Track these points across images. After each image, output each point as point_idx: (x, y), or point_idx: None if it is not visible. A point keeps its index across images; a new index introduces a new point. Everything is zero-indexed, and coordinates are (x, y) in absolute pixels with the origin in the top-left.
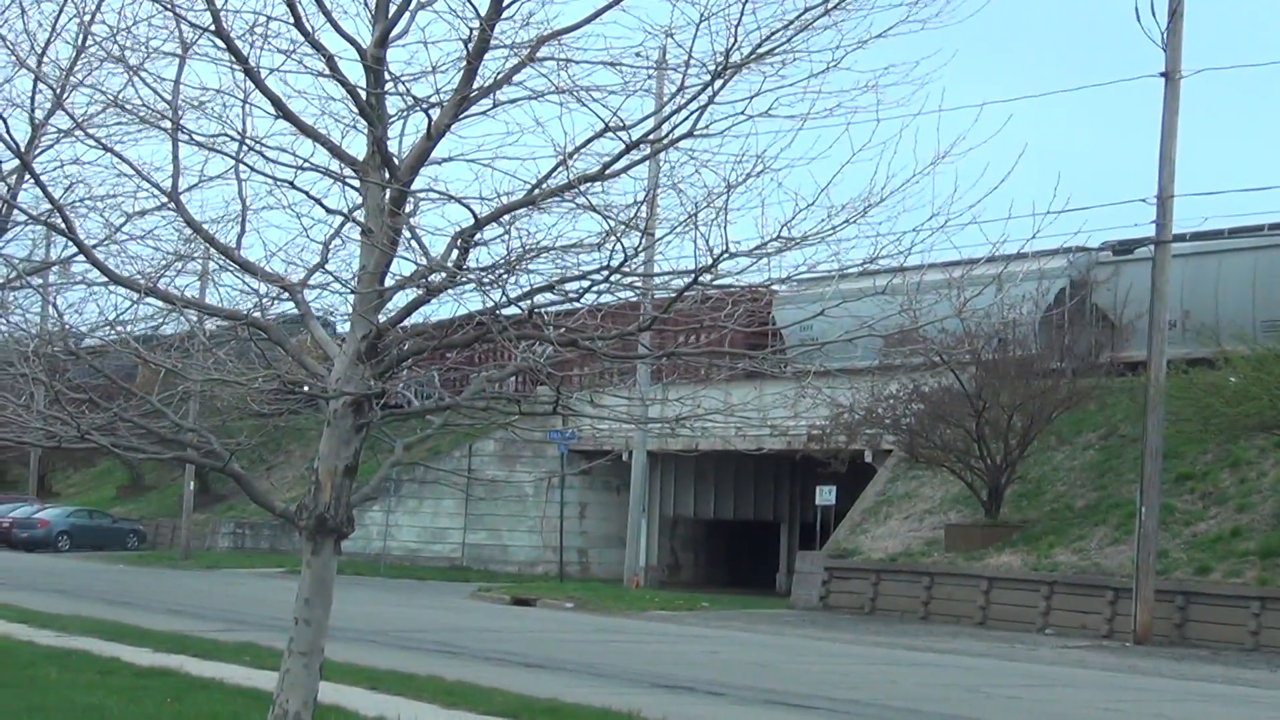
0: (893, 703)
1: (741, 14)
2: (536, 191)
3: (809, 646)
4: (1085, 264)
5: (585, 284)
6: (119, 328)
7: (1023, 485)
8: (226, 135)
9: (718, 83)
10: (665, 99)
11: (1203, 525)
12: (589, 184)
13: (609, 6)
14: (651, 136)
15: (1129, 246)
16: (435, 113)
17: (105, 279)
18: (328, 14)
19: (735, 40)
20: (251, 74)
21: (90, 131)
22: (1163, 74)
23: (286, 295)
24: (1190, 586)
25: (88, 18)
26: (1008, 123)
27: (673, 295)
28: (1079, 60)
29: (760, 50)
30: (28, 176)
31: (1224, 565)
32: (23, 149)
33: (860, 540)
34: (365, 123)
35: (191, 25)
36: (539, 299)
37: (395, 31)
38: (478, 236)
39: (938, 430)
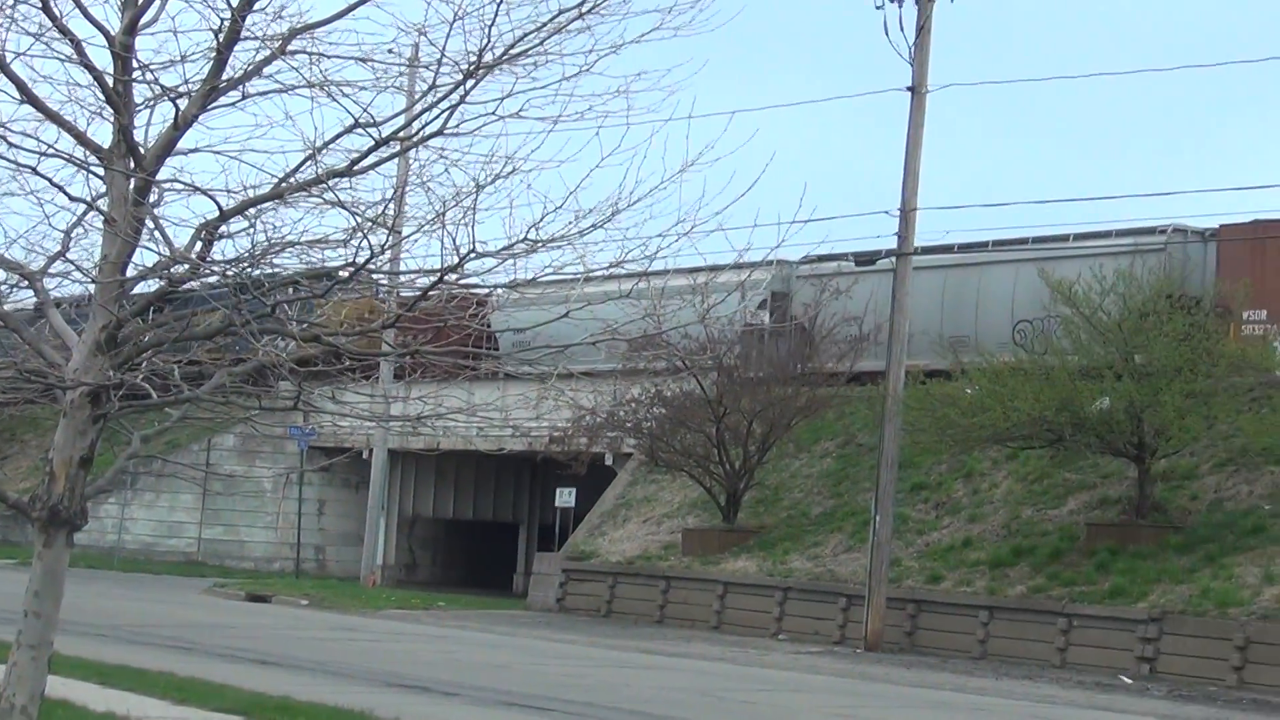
0: (627, 706)
1: (496, 14)
2: (284, 185)
3: (545, 648)
4: (786, 276)
5: (330, 280)
6: None
7: (761, 491)
8: None
9: (470, 82)
10: (416, 97)
11: (935, 535)
12: (337, 180)
13: (362, 2)
14: (401, 134)
15: (871, 258)
16: (183, 103)
17: None
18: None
19: (489, 40)
20: None
21: None
22: (909, 88)
23: (26, 283)
24: (921, 595)
25: None
26: (756, 134)
27: (418, 294)
28: (837, 72)
29: (513, 51)
30: None
31: (955, 574)
32: None
33: (598, 543)
34: (111, 110)
35: None
36: (282, 293)
37: (145, 19)
38: (222, 229)
39: (678, 435)
